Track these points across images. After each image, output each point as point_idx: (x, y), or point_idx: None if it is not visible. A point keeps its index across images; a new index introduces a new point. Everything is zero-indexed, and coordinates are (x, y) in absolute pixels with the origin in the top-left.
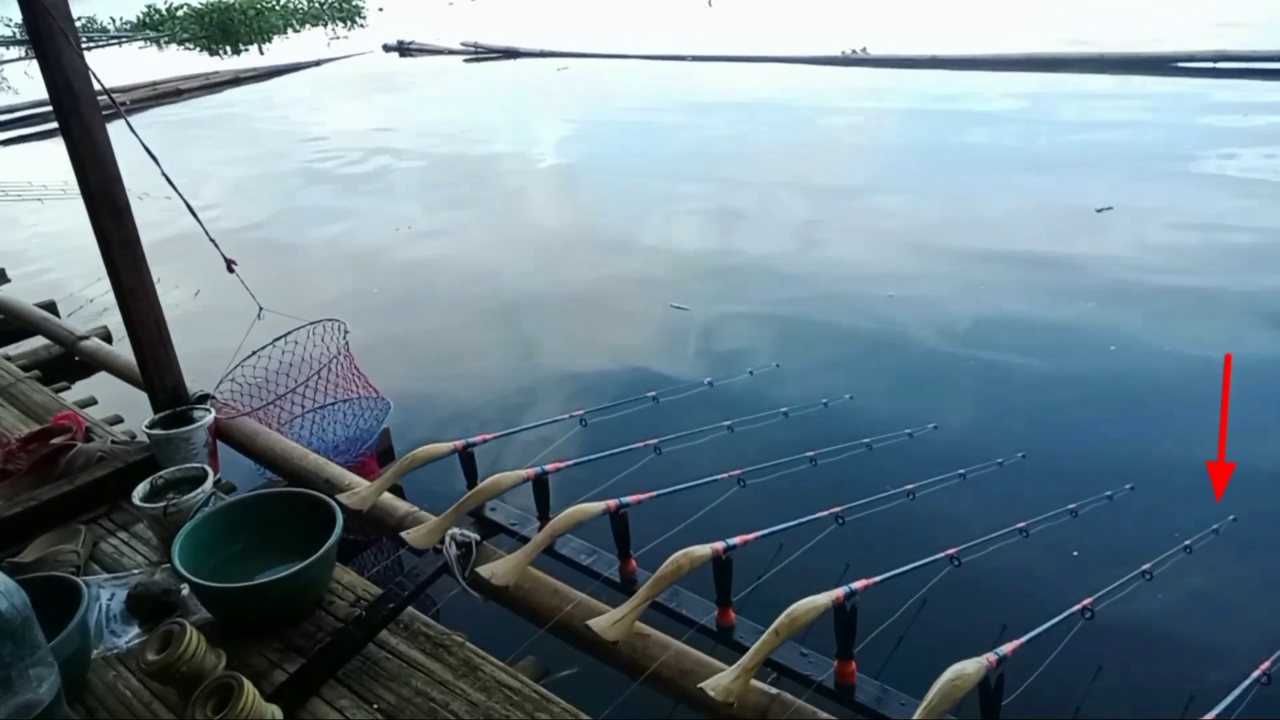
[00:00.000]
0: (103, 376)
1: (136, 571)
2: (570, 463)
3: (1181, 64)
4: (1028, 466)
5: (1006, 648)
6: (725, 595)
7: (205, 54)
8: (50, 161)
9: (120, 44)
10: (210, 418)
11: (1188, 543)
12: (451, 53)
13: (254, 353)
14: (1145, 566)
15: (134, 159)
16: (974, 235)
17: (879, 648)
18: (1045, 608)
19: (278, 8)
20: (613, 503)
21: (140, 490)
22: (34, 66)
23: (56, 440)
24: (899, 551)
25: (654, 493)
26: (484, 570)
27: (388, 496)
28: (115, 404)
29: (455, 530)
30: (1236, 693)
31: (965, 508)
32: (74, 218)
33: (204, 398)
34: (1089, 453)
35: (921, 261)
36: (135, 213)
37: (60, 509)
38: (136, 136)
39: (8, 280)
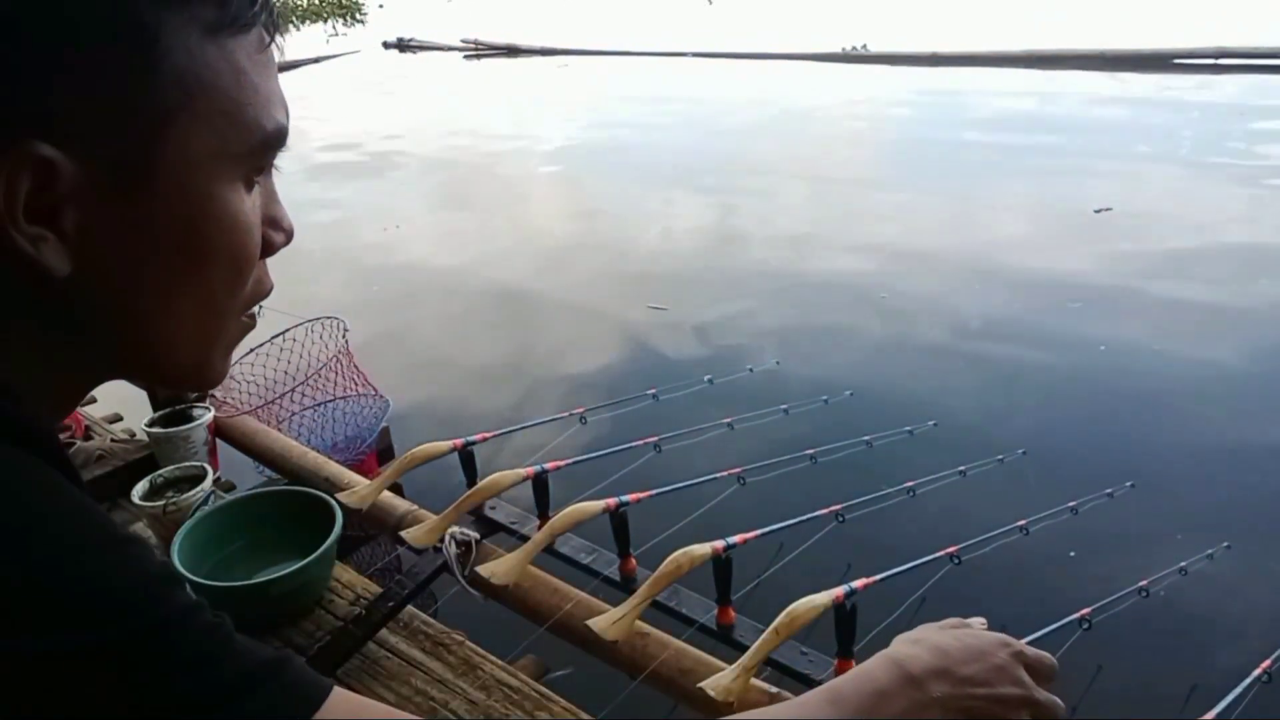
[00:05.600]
0: None
1: None
2: (570, 461)
3: (1182, 60)
4: (1028, 463)
5: None
6: (725, 594)
7: None
8: None
9: None
10: (209, 416)
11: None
12: (451, 49)
13: (252, 350)
14: (1142, 582)
15: None
16: (972, 234)
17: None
18: (1045, 607)
19: (277, 5)
20: (612, 501)
21: (139, 489)
22: None
23: None
24: (899, 550)
25: (654, 491)
26: (483, 569)
27: (387, 495)
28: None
29: (455, 529)
30: (1237, 691)
31: (966, 505)
32: None
33: (203, 396)
34: (1090, 449)
35: (919, 260)
36: None
37: None
38: None
39: None
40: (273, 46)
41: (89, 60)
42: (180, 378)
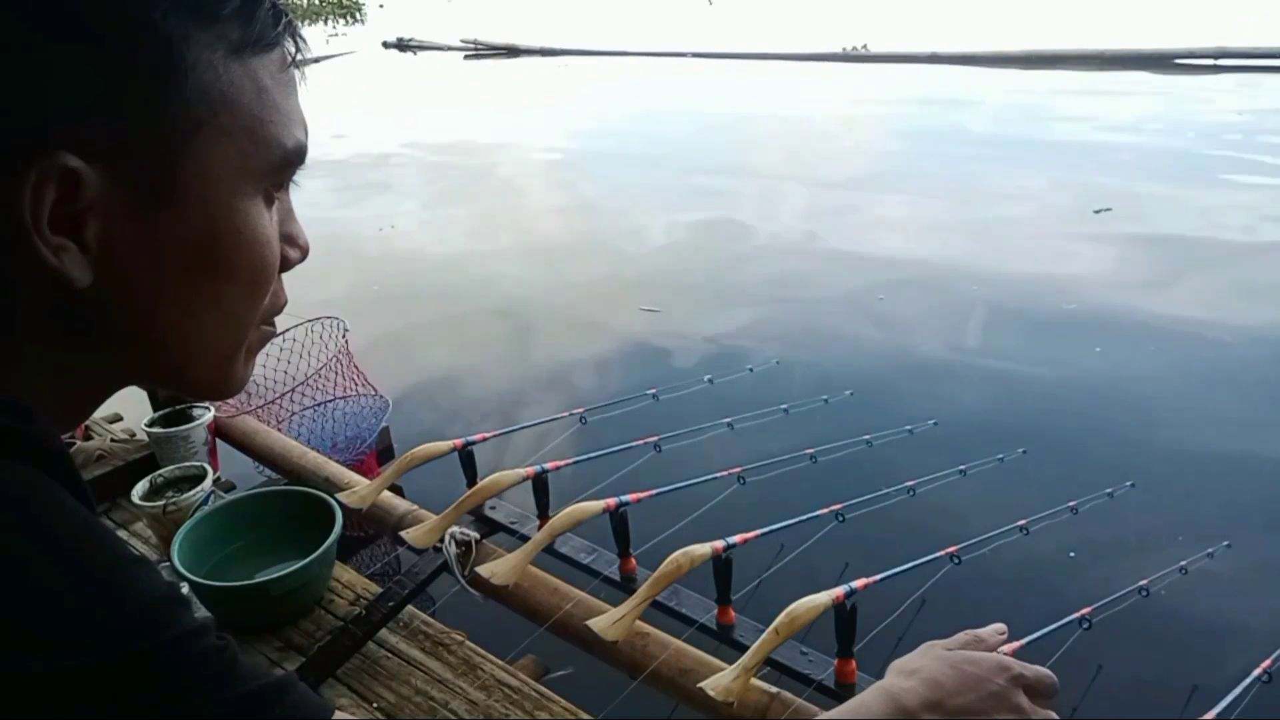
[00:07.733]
0: None
1: None
2: (570, 461)
3: (1182, 60)
4: (1029, 462)
5: (1006, 649)
6: (725, 594)
7: None
8: None
9: None
10: (209, 416)
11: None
12: (451, 49)
13: None
14: (1142, 582)
15: None
16: (971, 233)
17: (879, 646)
18: (1045, 607)
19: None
20: (612, 501)
21: (139, 489)
22: None
23: None
24: (899, 549)
25: (654, 491)
26: (483, 569)
27: (387, 495)
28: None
29: (455, 529)
30: (1237, 691)
31: (966, 505)
32: None
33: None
34: (1090, 449)
35: (918, 260)
36: None
37: None
38: None
39: None
40: (294, 66)
41: (116, 74)
42: (200, 387)
